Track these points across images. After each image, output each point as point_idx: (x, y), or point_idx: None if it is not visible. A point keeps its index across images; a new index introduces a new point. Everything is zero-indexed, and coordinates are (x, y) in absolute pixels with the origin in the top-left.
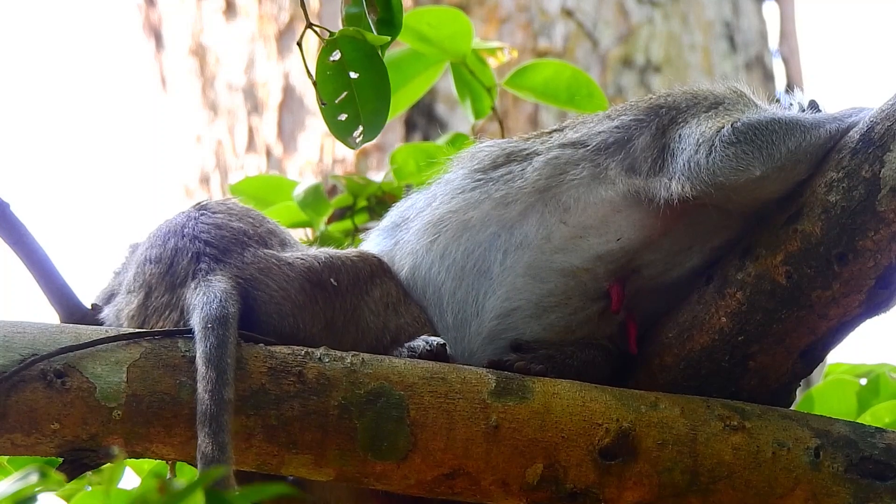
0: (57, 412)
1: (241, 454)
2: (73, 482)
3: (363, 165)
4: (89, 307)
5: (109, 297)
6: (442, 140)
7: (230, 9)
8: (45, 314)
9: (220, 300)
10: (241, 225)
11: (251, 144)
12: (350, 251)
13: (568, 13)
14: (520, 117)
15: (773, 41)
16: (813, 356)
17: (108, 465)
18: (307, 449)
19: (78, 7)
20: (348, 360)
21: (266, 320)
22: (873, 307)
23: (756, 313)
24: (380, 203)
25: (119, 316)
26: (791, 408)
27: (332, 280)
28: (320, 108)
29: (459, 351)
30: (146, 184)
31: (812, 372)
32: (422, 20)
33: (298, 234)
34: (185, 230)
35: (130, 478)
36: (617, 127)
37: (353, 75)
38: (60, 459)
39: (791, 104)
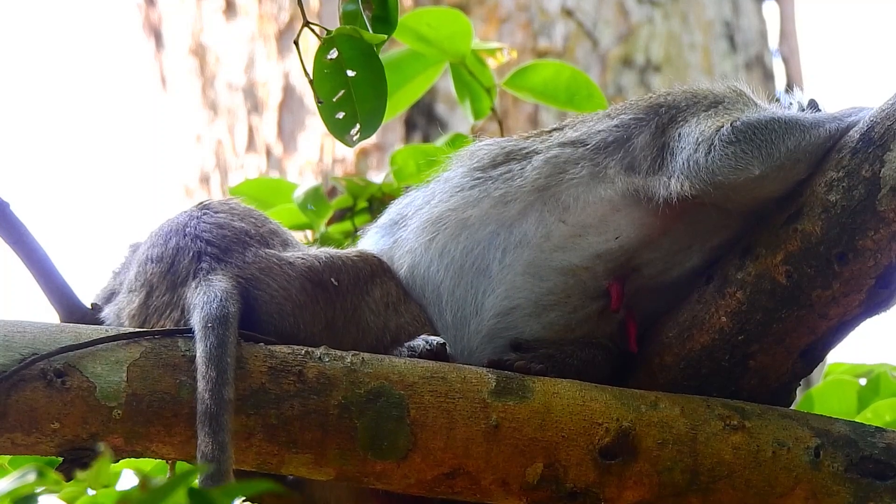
0: (57, 411)
1: (242, 453)
2: (74, 485)
3: (363, 165)
4: (89, 307)
5: (109, 296)
6: (441, 141)
7: (230, 8)
8: (45, 314)
9: (221, 299)
10: (243, 225)
11: (251, 144)
12: (351, 251)
13: (568, 13)
14: (520, 117)
15: (773, 41)
16: (813, 356)
17: (95, 462)
18: (307, 448)
19: (78, 7)
20: (348, 360)
21: (267, 320)
22: (873, 306)
23: (756, 313)
24: (380, 204)
25: (120, 315)
26: (791, 407)
27: (332, 280)
28: (317, 106)
29: (459, 350)
30: (146, 184)
31: (812, 371)
32: (421, 21)
33: (298, 236)
34: (187, 229)
35: (130, 479)
36: (616, 126)
37: (350, 73)
38: (61, 459)
39: (791, 104)
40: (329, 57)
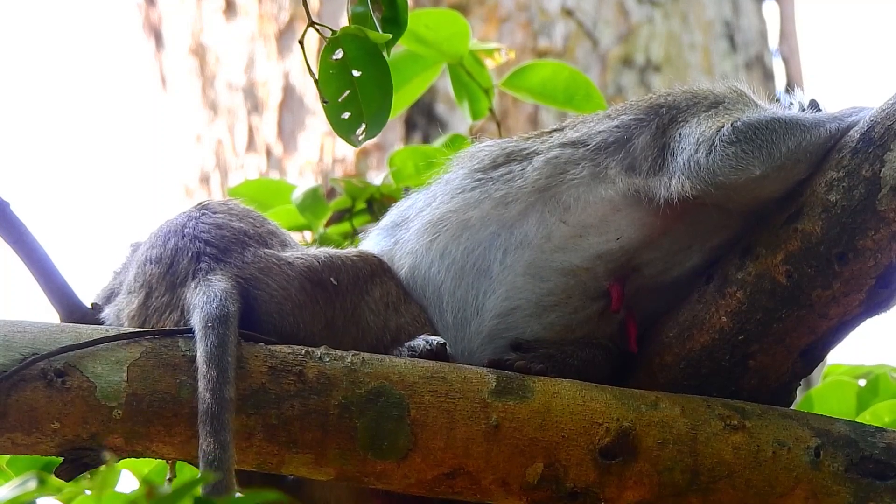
0: (57, 411)
1: (242, 453)
2: (72, 485)
3: (363, 165)
4: (89, 306)
5: (110, 296)
6: (439, 142)
7: (230, 8)
8: (45, 314)
9: (221, 299)
10: (242, 225)
11: (251, 144)
12: (350, 251)
13: (568, 13)
14: (520, 117)
15: (773, 41)
16: (813, 356)
17: (102, 468)
18: (307, 448)
19: (78, 7)
20: (348, 360)
21: (267, 319)
22: (873, 306)
23: (756, 312)
24: (379, 205)
25: (119, 316)
26: (791, 408)
27: (332, 279)
28: (323, 106)
29: (459, 350)
30: (146, 184)
31: (812, 371)
32: (419, 22)
33: (297, 238)
34: (186, 230)
35: (129, 480)
36: (617, 126)
37: (355, 73)
38: (61, 459)
39: (791, 104)
40: (334, 57)
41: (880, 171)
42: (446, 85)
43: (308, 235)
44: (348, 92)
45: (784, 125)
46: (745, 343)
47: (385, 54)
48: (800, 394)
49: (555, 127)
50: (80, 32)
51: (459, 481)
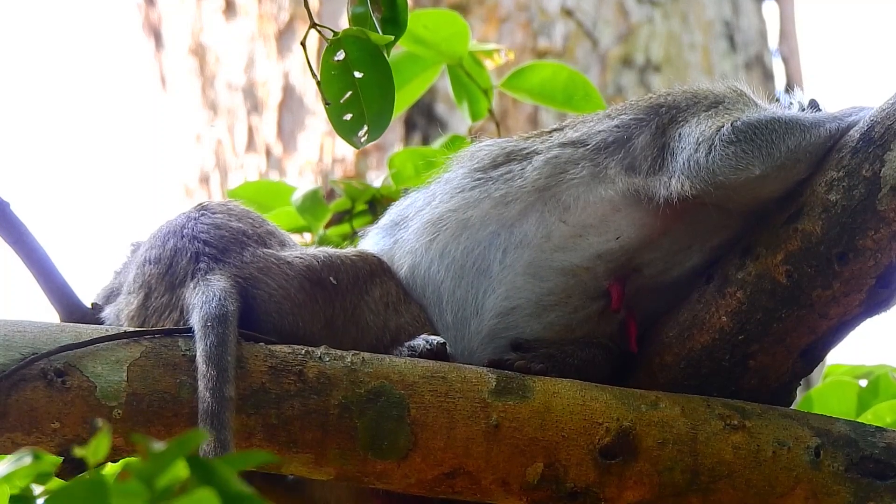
0: (57, 411)
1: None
2: (91, 455)
3: (363, 165)
4: (89, 306)
5: (109, 295)
6: (439, 143)
7: (230, 8)
8: (45, 314)
9: (220, 298)
10: (241, 225)
11: (251, 144)
12: (350, 250)
13: (568, 13)
14: (519, 117)
15: (773, 41)
16: (813, 355)
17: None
18: (307, 448)
19: (78, 7)
20: (349, 360)
21: (266, 318)
22: (874, 306)
23: (756, 312)
24: (378, 207)
25: (119, 316)
26: (791, 408)
27: (331, 279)
28: (325, 107)
29: (459, 350)
30: (146, 184)
31: (812, 371)
32: (419, 23)
33: (296, 239)
34: (185, 230)
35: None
36: (617, 126)
37: (357, 75)
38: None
39: (791, 104)
40: (336, 58)
41: (880, 170)
42: (446, 85)
43: (308, 237)
44: (350, 93)
45: (784, 125)
46: (745, 343)
47: (385, 55)
48: (800, 394)
49: (554, 127)
50: (81, 32)
51: (459, 481)
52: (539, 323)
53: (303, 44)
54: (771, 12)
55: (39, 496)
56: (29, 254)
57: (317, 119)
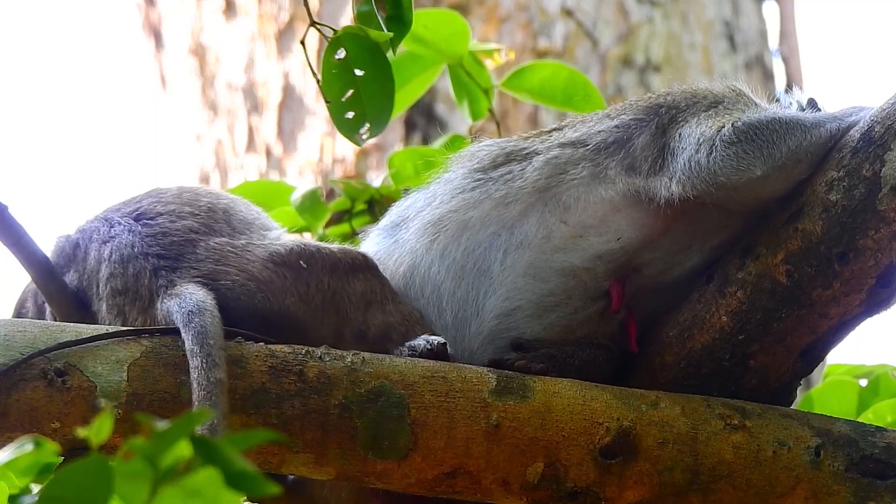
0: (58, 411)
1: (242, 453)
2: (94, 435)
3: (363, 165)
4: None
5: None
6: (438, 143)
7: (230, 8)
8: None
9: (189, 296)
10: (185, 222)
11: (251, 144)
12: (332, 245)
13: (568, 13)
14: (519, 117)
15: (773, 41)
16: (813, 355)
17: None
18: (308, 448)
19: (78, 7)
20: (349, 359)
21: (236, 305)
22: (874, 306)
23: (756, 312)
24: (378, 207)
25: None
26: (791, 407)
27: (301, 262)
28: (326, 106)
29: (459, 350)
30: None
31: (812, 371)
32: (419, 22)
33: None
34: (136, 249)
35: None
36: (617, 126)
37: (358, 73)
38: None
39: (791, 104)
40: (337, 57)
41: (881, 170)
42: (446, 85)
43: (308, 237)
44: (351, 91)
45: (785, 125)
46: (745, 343)
47: (391, 52)
48: (800, 394)
49: (554, 127)
50: (81, 32)
51: (460, 481)
52: (539, 323)
53: (302, 43)
54: (771, 12)
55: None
56: (28, 256)
57: (317, 119)
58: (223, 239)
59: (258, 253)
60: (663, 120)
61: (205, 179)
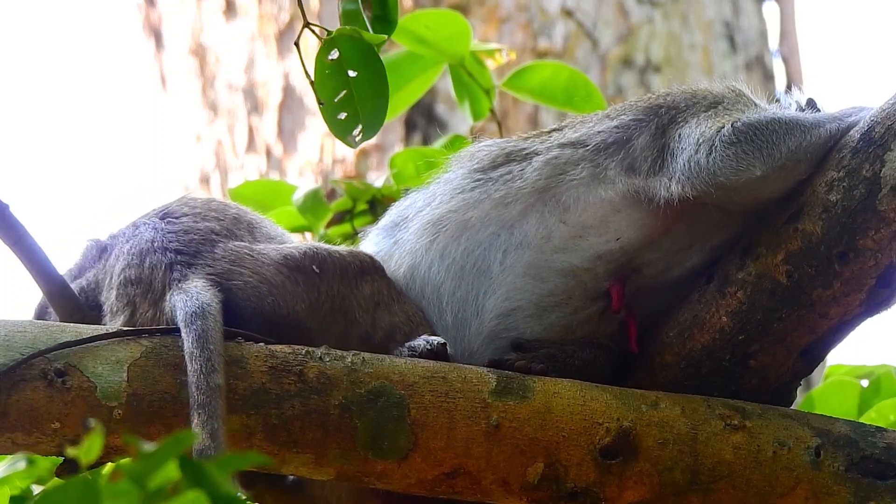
0: (58, 411)
1: (242, 453)
2: (84, 454)
3: (363, 165)
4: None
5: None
6: (439, 143)
7: (230, 9)
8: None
9: (195, 297)
10: (209, 224)
11: (251, 144)
12: (341, 248)
13: (568, 13)
14: (520, 117)
15: (773, 41)
16: (813, 355)
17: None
18: (308, 448)
19: (78, 7)
20: (349, 360)
21: (245, 305)
22: (874, 306)
23: (757, 312)
24: (379, 207)
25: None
26: (791, 407)
27: (313, 267)
28: (319, 107)
29: (459, 351)
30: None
31: (813, 371)
32: (420, 22)
33: (297, 239)
34: (155, 244)
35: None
36: (616, 127)
37: (351, 74)
38: (61, 459)
39: (790, 104)
40: (330, 58)
41: (881, 170)
42: (446, 86)
43: (309, 237)
44: (344, 92)
45: (784, 125)
46: (745, 343)
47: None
48: (800, 394)
49: (554, 127)
50: (81, 32)
51: (460, 481)
52: (539, 324)
53: (296, 44)
54: (771, 12)
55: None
56: (28, 255)
57: (317, 119)
58: (242, 243)
59: (272, 255)
60: (663, 120)
61: (205, 180)
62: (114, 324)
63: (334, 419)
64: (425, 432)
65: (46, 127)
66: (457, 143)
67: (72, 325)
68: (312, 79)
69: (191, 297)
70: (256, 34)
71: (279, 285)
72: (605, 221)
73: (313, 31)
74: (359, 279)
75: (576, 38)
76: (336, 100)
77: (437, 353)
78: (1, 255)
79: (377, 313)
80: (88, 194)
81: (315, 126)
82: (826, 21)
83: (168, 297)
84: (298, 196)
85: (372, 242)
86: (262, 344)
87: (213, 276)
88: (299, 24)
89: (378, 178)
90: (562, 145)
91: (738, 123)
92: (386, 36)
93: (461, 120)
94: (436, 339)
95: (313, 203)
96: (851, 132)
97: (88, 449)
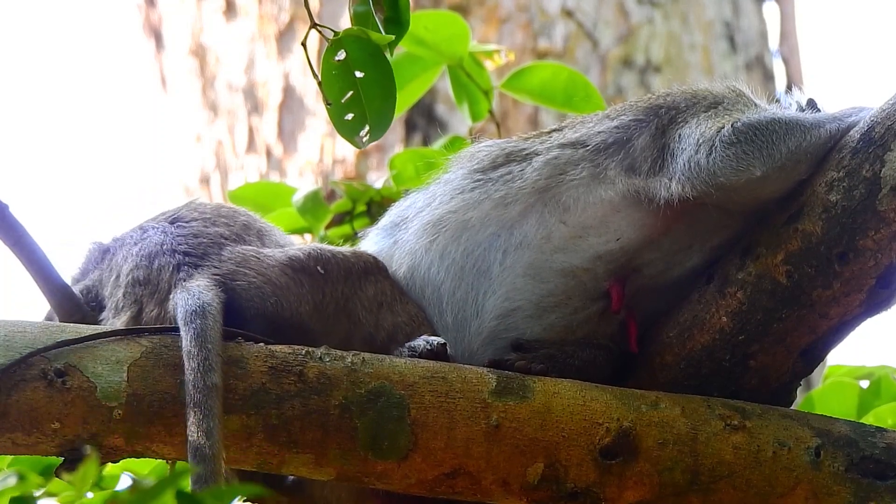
0: (58, 411)
1: (242, 453)
2: (71, 489)
3: (363, 166)
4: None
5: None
6: (438, 144)
7: (230, 9)
8: (44, 313)
9: (196, 295)
10: (218, 229)
11: (251, 144)
12: (345, 248)
13: (568, 13)
14: (520, 118)
15: (773, 41)
16: (813, 355)
17: (83, 465)
18: (308, 448)
19: (78, 7)
20: (349, 360)
21: (248, 305)
22: (874, 306)
23: (756, 312)
24: (379, 208)
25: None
26: (791, 408)
27: (318, 268)
28: (326, 107)
29: (460, 351)
30: (146, 184)
31: (812, 371)
32: (419, 24)
33: (297, 241)
34: (164, 246)
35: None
36: (616, 127)
37: (358, 74)
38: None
39: (791, 104)
40: (337, 58)
41: (880, 171)
42: (447, 86)
43: (309, 238)
44: (351, 93)
45: (784, 126)
46: (745, 343)
47: (388, 55)
48: (800, 395)
49: (554, 127)
50: (81, 32)
51: (460, 481)
52: (539, 324)
53: (303, 44)
54: (771, 12)
55: (40, 497)
56: (28, 255)
57: (317, 120)
58: (250, 247)
59: (278, 257)
60: (663, 121)
61: (205, 180)
62: (117, 321)
63: (334, 419)
64: (425, 432)
65: (46, 127)
66: (456, 144)
67: (72, 325)
68: (320, 79)
69: (192, 295)
70: (256, 34)
71: (283, 287)
72: (605, 222)
73: (320, 32)
74: (363, 280)
75: (576, 39)
76: (343, 100)
77: (437, 354)
78: (1, 255)
79: (380, 314)
80: (88, 194)
81: (315, 126)
82: (826, 21)
83: (172, 296)
84: (298, 197)
85: (372, 243)
86: (261, 344)
87: (217, 277)
88: (299, 24)
89: (378, 179)
90: (562, 145)
91: (738, 124)
92: (393, 37)
93: (461, 120)
94: (436, 340)
95: (313, 204)
96: (851, 132)
97: (82, 478)
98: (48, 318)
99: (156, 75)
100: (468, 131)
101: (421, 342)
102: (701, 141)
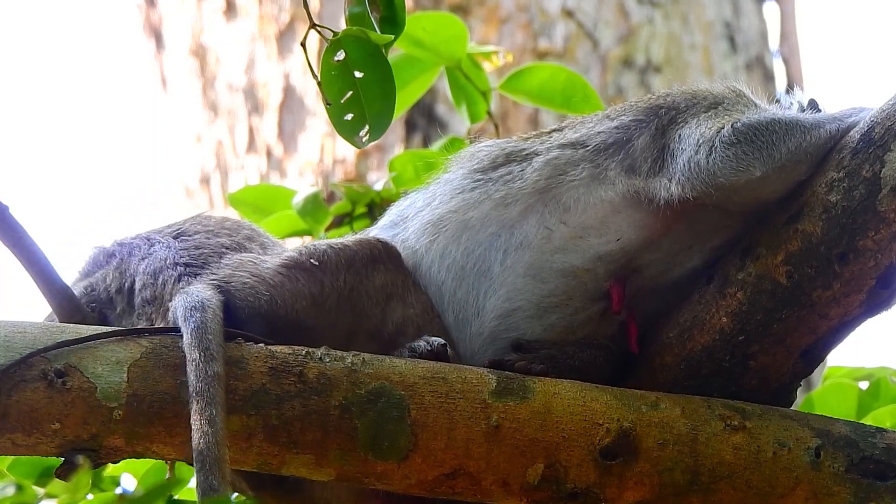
0: (58, 412)
1: (242, 454)
2: (72, 492)
3: (363, 166)
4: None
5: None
6: (437, 145)
7: (230, 9)
8: (45, 315)
9: (195, 293)
10: (220, 240)
11: (251, 145)
12: (347, 238)
13: (568, 13)
14: (520, 118)
15: (774, 41)
16: (813, 356)
17: (76, 473)
18: (308, 448)
19: (78, 7)
20: (349, 360)
21: (243, 305)
22: (874, 307)
23: (757, 313)
24: (379, 210)
25: None
26: (791, 408)
27: (311, 261)
28: (326, 108)
29: (460, 351)
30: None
31: (812, 371)
32: (417, 25)
33: (297, 243)
34: (167, 261)
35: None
36: (616, 127)
37: (357, 75)
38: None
39: (791, 104)
40: (336, 58)
41: (881, 171)
42: (447, 86)
43: (308, 240)
44: (351, 93)
45: (784, 126)
46: (745, 343)
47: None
48: (800, 395)
49: (554, 127)
50: (81, 32)
51: (460, 482)
52: (540, 324)
53: (303, 44)
54: (771, 12)
55: (41, 498)
56: (28, 257)
57: (317, 120)
58: (250, 255)
59: (273, 260)
60: (663, 121)
61: (205, 180)
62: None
63: (334, 420)
64: (425, 433)
65: (47, 127)
66: (454, 145)
67: (72, 325)
68: (319, 79)
69: (190, 294)
70: (257, 35)
71: (277, 284)
72: (606, 222)
73: (320, 33)
74: (368, 268)
75: (576, 39)
76: (342, 101)
77: (437, 354)
78: (1, 255)
79: (389, 305)
80: (88, 194)
81: (315, 126)
82: (826, 21)
83: (172, 303)
84: (298, 200)
85: None
86: (261, 345)
87: (214, 280)
88: (299, 24)
89: (378, 180)
90: (562, 146)
91: (738, 124)
92: (392, 37)
93: (462, 121)
94: (436, 340)
95: (313, 207)
96: (851, 133)
97: (76, 487)
98: (49, 320)
99: (156, 75)
100: (466, 132)
101: (421, 342)
102: (701, 141)
